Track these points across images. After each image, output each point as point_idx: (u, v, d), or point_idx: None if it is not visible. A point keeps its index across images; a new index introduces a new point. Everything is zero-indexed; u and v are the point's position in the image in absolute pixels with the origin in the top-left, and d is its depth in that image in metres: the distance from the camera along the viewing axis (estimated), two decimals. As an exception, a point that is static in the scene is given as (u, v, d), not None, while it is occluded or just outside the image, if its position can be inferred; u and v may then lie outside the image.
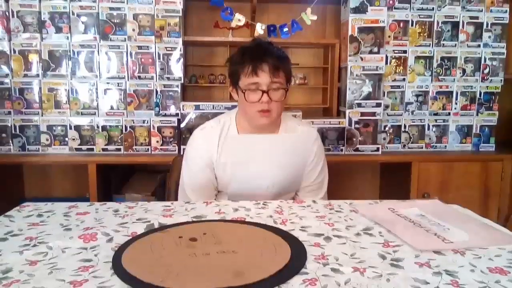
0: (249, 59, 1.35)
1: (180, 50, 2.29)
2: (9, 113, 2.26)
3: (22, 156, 2.27)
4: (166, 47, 2.29)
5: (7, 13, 2.20)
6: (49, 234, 0.94)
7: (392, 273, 0.75)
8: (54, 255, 0.83)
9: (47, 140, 2.28)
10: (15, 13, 2.20)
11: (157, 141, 2.32)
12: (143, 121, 2.31)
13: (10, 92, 2.25)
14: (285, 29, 2.39)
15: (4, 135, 2.27)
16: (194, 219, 1.05)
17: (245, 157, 1.44)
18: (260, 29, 2.36)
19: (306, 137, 1.50)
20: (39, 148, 2.28)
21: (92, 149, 2.30)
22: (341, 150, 2.40)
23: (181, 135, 2.30)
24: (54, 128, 2.28)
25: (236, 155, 1.44)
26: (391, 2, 2.37)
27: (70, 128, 2.28)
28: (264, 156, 1.43)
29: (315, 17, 2.35)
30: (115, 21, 2.25)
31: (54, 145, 2.28)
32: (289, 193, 1.51)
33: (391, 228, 0.98)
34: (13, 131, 2.26)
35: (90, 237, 0.91)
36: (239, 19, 2.33)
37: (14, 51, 2.23)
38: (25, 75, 2.25)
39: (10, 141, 2.27)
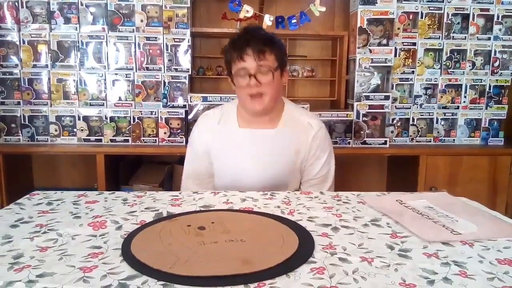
0: (235, 46, 1.37)
1: (188, 42, 2.29)
2: (19, 103, 2.27)
3: (31, 146, 2.28)
4: (174, 38, 2.28)
5: (16, 3, 2.20)
6: (59, 221, 0.95)
7: (400, 263, 0.75)
8: (64, 242, 0.84)
9: (56, 130, 2.29)
10: (24, 4, 2.21)
11: (165, 133, 2.33)
12: (151, 113, 2.32)
13: (20, 83, 2.26)
14: (294, 21, 2.37)
15: (13, 125, 2.29)
16: (202, 209, 1.06)
17: (231, 151, 1.45)
18: (268, 20, 2.35)
19: (305, 130, 1.45)
20: (48, 139, 2.30)
21: (100, 140, 2.31)
22: (349, 143, 2.39)
23: (189, 127, 2.31)
24: (62, 118, 2.29)
25: (224, 147, 1.46)
26: (400, -7, 2.35)
27: (79, 119, 2.29)
28: (251, 153, 1.43)
29: (323, 9, 2.33)
30: (124, 12, 2.25)
31: (62, 135, 2.30)
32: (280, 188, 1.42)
33: (399, 219, 0.97)
34: (22, 122, 2.28)
35: (100, 225, 0.92)
36: (247, 10, 2.32)
37: (23, 42, 2.24)
38: (34, 66, 2.26)
39: (20, 132, 2.29)
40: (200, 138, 1.50)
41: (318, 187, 1.47)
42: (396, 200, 1.14)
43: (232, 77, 1.42)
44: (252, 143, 1.43)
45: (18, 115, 2.28)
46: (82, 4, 2.22)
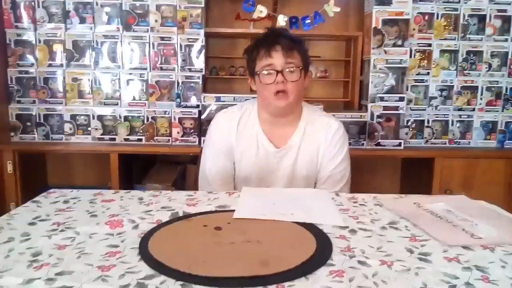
0: (263, 43, 1.37)
1: (202, 42, 2.29)
2: (34, 102, 2.30)
3: (46, 144, 2.31)
4: (188, 39, 2.29)
5: (32, 3, 2.23)
6: (76, 220, 0.96)
7: (420, 267, 0.73)
8: (81, 240, 0.84)
9: (70, 129, 2.32)
10: (40, 4, 2.23)
11: (178, 132, 2.34)
12: (165, 112, 2.33)
13: (35, 82, 2.29)
14: (307, 21, 2.36)
15: (28, 123, 2.31)
16: (218, 209, 1.05)
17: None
18: (282, 20, 2.34)
19: (325, 129, 1.45)
20: (62, 137, 2.32)
21: (114, 139, 2.33)
22: (363, 144, 2.37)
23: (202, 127, 2.31)
24: (77, 117, 2.31)
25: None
26: (416, -6, 2.33)
27: (93, 117, 2.31)
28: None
29: (338, 9, 2.32)
30: (138, 12, 2.26)
31: (77, 134, 2.32)
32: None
33: (417, 222, 0.96)
34: (37, 120, 2.31)
35: (116, 224, 0.92)
36: (261, 10, 2.31)
37: (39, 41, 2.26)
38: (50, 65, 2.28)
39: (35, 130, 2.31)
40: (221, 138, 1.47)
41: (332, 184, 1.45)
42: (414, 203, 1.12)
43: (253, 78, 1.41)
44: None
45: (34, 114, 2.30)
46: (97, 4, 2.24)
